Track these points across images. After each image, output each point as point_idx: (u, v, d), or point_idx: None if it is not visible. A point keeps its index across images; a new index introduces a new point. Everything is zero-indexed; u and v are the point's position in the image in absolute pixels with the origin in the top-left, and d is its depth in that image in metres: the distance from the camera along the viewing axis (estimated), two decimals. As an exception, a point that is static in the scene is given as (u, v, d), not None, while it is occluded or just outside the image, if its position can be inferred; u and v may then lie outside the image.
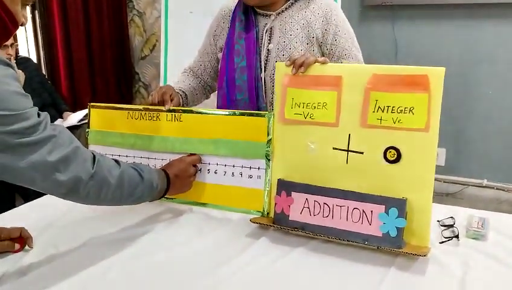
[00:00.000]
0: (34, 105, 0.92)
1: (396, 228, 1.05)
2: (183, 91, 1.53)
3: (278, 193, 1.18)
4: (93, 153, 1.01)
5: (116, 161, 1.08)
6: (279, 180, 1.19)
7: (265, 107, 1.47)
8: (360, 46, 1.52)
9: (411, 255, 1.03)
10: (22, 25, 0.97)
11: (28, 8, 1.03)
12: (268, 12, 1.49)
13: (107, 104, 1.45)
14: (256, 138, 1.26)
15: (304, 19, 1.46)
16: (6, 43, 2.52)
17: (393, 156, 1.11)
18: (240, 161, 1.29)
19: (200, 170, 1.33)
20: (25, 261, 1.04)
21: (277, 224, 1.17)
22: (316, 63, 1.18)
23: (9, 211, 1.36)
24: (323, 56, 1.44)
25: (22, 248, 1.09)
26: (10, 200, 2.54)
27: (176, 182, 1.23)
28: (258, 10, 1.50)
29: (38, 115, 0.91)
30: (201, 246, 1.12)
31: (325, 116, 1.17)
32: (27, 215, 1.31)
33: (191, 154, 1.33)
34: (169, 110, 1.35)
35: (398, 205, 1.05)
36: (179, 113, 1.35)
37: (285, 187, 1.17)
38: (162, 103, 1.37)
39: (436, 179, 1.22)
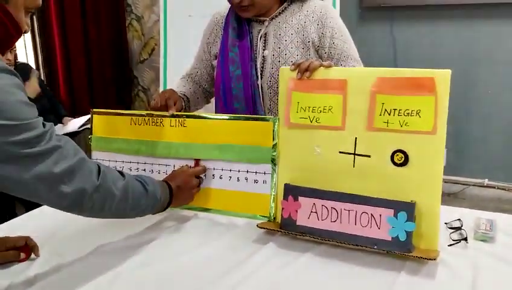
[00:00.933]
0: None
1: (406, 231, 1.04)
2: (185, 95, 1.52)
3: (285, 198, 1.18)
4: (98, 165, 0.99)
5: (121, 172, 1.06)
6: (286, 185, 1.18)
7: (264, 114, 1.45)
8: (358, 48, 1.51)
9: (421, 259, 1.02)
10: (25, 33, 0.96)
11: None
12: (262, 18, 1.47)
13: (110, 110, 1.44)
14: (262, 142, 1.25)
15: (298, 23, 1.45)
16: (5, 48, 2.51)
17: (400, 159, 1.10)
18: (245, 165, 1.28)
19: (205, 176, 1.32)
20: (31, 271, 1.03)
21: (284, 229, 1.16)
22: (321, 67, 1.18)
23: (11, 220, 1.34)
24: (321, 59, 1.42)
25: (27, 257, 1.08)
26: (10, 208, 2.53)
27: (178, 194, 1.21)
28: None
29: (44, 125, 0.90)
30: (208, 252, 1.11)
31: (330, 120, 1.16)
32: (29, 224, 1.30)
33: (195, 164, 1.32)
34: (173, 116, 1.34)
35: (407, 209, 1.04)
36: (183, 119, 1.34)
37: (293, 192, 1.17)
38: (165, 107, 1.36)
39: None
